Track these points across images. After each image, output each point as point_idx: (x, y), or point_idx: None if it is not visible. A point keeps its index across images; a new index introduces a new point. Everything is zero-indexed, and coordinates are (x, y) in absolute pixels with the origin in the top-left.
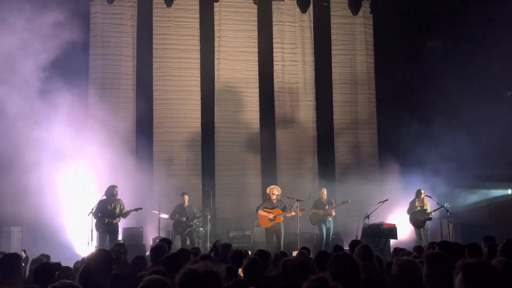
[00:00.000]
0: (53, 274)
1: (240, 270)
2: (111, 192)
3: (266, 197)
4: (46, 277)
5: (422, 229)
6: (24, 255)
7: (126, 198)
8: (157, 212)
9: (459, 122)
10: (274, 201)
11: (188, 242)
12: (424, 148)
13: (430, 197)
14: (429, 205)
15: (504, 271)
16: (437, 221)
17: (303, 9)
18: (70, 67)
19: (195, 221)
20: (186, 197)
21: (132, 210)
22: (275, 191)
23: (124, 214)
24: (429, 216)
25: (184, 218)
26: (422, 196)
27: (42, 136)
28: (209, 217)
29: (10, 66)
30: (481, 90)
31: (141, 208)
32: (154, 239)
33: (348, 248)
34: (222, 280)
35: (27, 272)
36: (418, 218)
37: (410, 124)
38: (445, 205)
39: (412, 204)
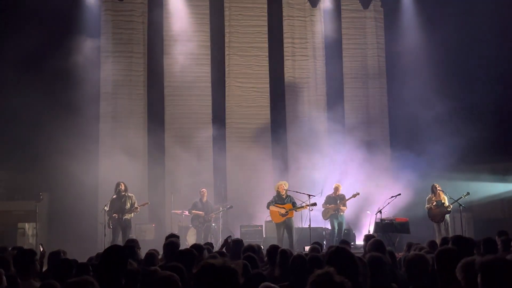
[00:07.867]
0: (71, 269)
1: None
2: (116, 188)
3: (276, 194)
4: (65, 272)
5: (441, 224)
6: (41, 249)
7: (138, 194)
8: (172, 209)
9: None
10: (284, 196)
11: (202, 236)
12: (437, 142)
13: (442, 191)
14: (446, 199)
15: None
16: (450, 215)
17: (314, 4)
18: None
19: (213, 216)
20: (205, 192)
21: (140, 206)
22: (284, 186)
23: (133, 210)
24: (447, 209)
25: (202, 212)
26: (437, 191)
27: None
28: (221, 213)
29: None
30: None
31: (147, 203)
32: (166, 235)
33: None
34: (239, 276)
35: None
36: (436, 212)
37: (422, 118)
38: (462, 196)
39: (429, 199)
